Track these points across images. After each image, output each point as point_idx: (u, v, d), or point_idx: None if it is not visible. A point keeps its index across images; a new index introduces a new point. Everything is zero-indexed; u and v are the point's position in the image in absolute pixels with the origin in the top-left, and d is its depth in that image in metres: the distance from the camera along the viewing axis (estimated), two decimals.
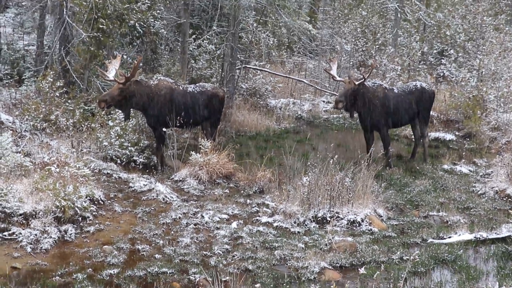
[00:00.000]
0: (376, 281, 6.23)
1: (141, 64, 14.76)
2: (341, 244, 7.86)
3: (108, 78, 10.53)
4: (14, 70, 15.03)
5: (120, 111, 11.10)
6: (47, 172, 8.48)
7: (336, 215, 8.73)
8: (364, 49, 17.83)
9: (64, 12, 12.44)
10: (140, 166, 10.85)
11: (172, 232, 8.25)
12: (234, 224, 8.61)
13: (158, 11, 14.65)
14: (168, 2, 15.51)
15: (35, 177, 8.30)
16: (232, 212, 9.05)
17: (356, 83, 11.14)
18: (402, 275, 6.47)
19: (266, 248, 7.88)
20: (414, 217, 9.18)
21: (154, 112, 10.62)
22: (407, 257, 7.47)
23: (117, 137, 11.00)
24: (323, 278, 7.07)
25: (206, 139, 10.74)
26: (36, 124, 11.30)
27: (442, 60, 19.15)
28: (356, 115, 11.90)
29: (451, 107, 14.63)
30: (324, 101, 16.71)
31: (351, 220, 8.70)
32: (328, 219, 8.67)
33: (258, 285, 5.52)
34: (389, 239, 8.30)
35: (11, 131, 10.59)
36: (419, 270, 7.18)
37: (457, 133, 14.10)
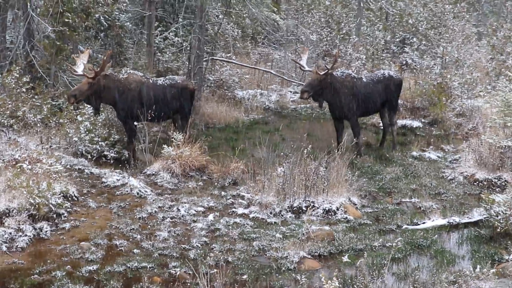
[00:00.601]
0: (359, 268, 6.27)
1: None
2: (319, 233, 7.91)
3: (77, 73, 10.36)
4: None
5: (89, 106, 10.93)
6: (19, 169, 8.32)
7: (312, 204, 8.78)
8: (328, 38, 17.88)
9: (28, 6, 12.16)
10: (112, 161, 10.69)
11: (149, 226, 8.19)
12: (210, 217, 8.58)
13: (123, 4, 14.46)
14: None
15: (7, 175, 8.12)
16: (207, 205, 9.02)
17: (321, 73, 11.20)
18: (385, 262, 6.56)
19: (244, 239, 7.89)
20: (388, 204, 9.30)
21: (124, 106, 10.49)
22: (385, 244, 7.59)
23: (87, 132, 10.83)
24: (303, 268, 7.12)
25: (177, 132, 10.67)
26: (2, 121, 11.05)
27: (404, 48, 19.36)
28: (325, 104, 11.98)
29: (416, 95, 14.82)
30: (291, 92, 16.74)
31: (327, 209, 8.77)
32: (304, 208, 8.72)
33: (245, 276, 5.51)
34: (365, 227, 8.40)
35: None
36: (396, 256, 7.27)
37: (423, 120, 14.29)
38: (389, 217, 8.74)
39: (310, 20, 18.81)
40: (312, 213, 8.58)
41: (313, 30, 18.45)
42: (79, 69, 10.39)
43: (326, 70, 11.22)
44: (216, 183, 9.96)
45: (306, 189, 8.90)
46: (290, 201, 8.86)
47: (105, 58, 10.14)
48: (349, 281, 6.48)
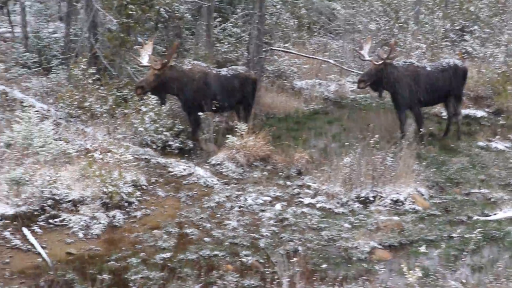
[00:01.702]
0: (434, 259, 6.21)
1: (164, 49, 14.77)
2: (388, 224, 7.85)
3: (143, 64, 10.52)
4: (41, 58, 15.02)
5: (154, 97, 11.09)
6: (91, 159, 8.51)
7: (379, 194, 8.71)
8: (386, 28, 17.62)
9: (94, 0, 12.39)
10: (176, 151, 10.83)
11: (218, 215, 8.27)
12: (277, 206, 8.61)
13: None
14: None
15: (81, 164, 8.33)
16: (274, 194, 9.04)
17: (377, 63, 11.10)
18: (459, 253, 6.46)
19: (313, 229, 7.90)
20: (456, 195, 9.14)
21: (189, 96, 10.63)
22: (456, 235, 7.47)
23: (152, 122, 10.98)
24: (373, 258, 7.08)
25: (241, 122, 10.73)
26: (71, 111, 11.32)
27: (464, 36, 18.93)
28: (386, 94, 11.85)
29: (479, 84, 14.49)
30: (350, 81, 16.59)
31: (394, 199, 8.69)
32: (371, 198, 8.66)
33: (324, 265, 5.51)
34: (434, 218, 8.29)
35: (47, 119, 10.63)
36: (469, 247, 7.15)
37: (487, 109, 13.98)
38: (458, 208, 8.60)
39: (368, 9, 18.59)
40: (380, 203, 8.52)
41: (371, 19, 18.24)
42: (144, 60, 10.56)
43: (382, 60, 11.12)
44: (280, 173, 9.98)
45: (373, 179, 8.83)
46: (357, 191, 8.81)
47: (171, 49, 10.25)
48: (428, 271, 6.41)
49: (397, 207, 8.59)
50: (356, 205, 8.67)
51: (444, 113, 12.77)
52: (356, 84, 13.05)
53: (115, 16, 12.24)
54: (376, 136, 9.00)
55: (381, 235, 7.55)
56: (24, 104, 10.93)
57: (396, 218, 8.09)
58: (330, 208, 8.59)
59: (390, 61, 11.15)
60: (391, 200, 8.68)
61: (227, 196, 8.87)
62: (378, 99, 13.86)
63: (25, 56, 15.06)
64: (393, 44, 11.70)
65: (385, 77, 11.22)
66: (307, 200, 8.83)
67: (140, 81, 10.49)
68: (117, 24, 12.23)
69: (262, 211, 8.43)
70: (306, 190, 9.21)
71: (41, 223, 7.41)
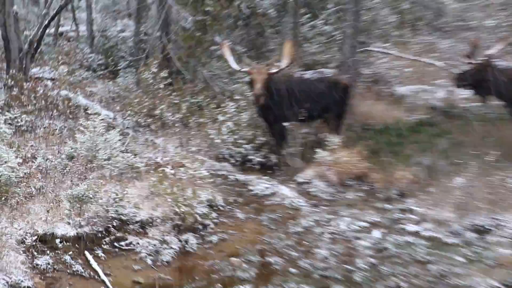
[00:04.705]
0: None
1: (244, 49, 14.87)
2: (511, 259, 7.48)
3: (236, 69, 10.67)
4: (108, 60, 15.44)
5: (233, 104, 11.17)
6: (161, 174, 8.59)
7: (499, 223, 8.34)
8: (507, 23, 17.05)
9: None
10: (257, 167, 10.86)
11: (305, 242, 8.13)
12: (375, 233, 8.39)
13: None
14: None
15: (150, 180, 8.42)
16: (371, 219, 8.84)
17: (474, 62, 10.78)
18: None
19: (418, 262, 7.62)
20: None
21: (276, 104, 10.59)
22: None
23: (230, 134, 11.04)
24: None
25: (331, 134, 10.60)
26: (139, 120, 11.53)
27: None
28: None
29: None
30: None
31: None
32: (489, 227, 8.30)
33: None
34: None
35: (113, 128, 10.86)
36: None
37: None
38: None
39: (483, 2, 18.08)
40: (500, 234, 8.15)
41: (487, 14, 17.70)
42: (232, 64, 10.70)
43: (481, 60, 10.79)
44: (379, 194, 9.75)
45: (491, 205, 8.47)
46: (471, 218, 8.46)
47: (291, 49, 10.34)
48: None
49: None
50: (471, 234, 8.29)
51: None
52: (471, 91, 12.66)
53: (191, 12, 12.44)
54: (496, 152, 8.65)
55: (503, 272, 7.19)
56: (89, 112, 11.22)
57: None
58: (438, 238, 8.27)
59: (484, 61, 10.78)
60: None
61: (316, 220, 8.74)
62: (501, 110, 13.40)
63: (90, 57, 15.53)
64: (475, 41, 11.34)
65: (489, 79, 10.82)
66: (411, 227, 8.57)
67: (259, 88, 10.40)
68: (192, 21, 12.38)
69: (357, 238, 8.24)
70: (410, 216, 8.94)
71: (105, 247, 7.52)
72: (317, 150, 10.27)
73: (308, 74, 11.31)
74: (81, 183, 7.90)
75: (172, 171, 8.76)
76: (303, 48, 15.35)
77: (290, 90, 10.80)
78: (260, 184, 9.87)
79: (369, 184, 10.16)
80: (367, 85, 15.04)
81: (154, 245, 7.63)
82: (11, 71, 12.57)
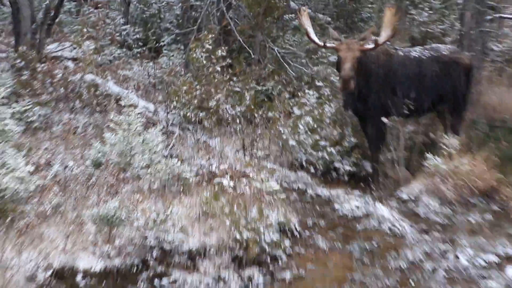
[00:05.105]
0: None
1: (329, 19, 14.83)
2: None
3: (328, 44, 10.59)
4: (148, 33, 15.57)
5: (313, 94, 11.14)
6: (216, 188, 8.61)
7: None
8: None
9: None
10: (346, 178, 10.80)
11: (412, 282, 8.05)
12: (510, 271, 8.24)
13: None
14: None
15: (203, 196, 8.44)
16: (504, 251, 8.68)
17: None
18: None
19: None
20: None
21: (371, 91, 10.51)
22: None
23: (309, 133, 11.00)
24: None
25: (448, 134, 10.47)
26: (189, 114, 11.58)
27: None
28: None
29: None
30: None
31: None
32: None
33: None
34: None
35: (153, 125, 10.95)
36: None
37: None
38: None
39: None
40: None
41: None
42: (313, 38, 10.64)
43: None
44: None
45: None
46: None
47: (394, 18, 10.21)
48: None
49: None
50: None
51: None
52: None
53: None
54: None
55: None
56: (122, 103, 11.36)
57: None
58: None
59: None
60: None
61: (426, 252, 8.63)
62: None
63: (125, 30, 15.67)
64: None
65: None
66: None
67: (347, 68, 10.32)
68: None
69: (484, 278, 8.10)
70: None
71: (142, 285, 7.56)
72: (428, 155, 10.13)
73: (417, 52, 11.19)
74: (111, 199, 7.98)
75: (232, 184, 8.76)
76: (410, 15, 15.26)
77: (392, 73, 10.72)
78: (350, 202, 9.83)
79: (501, 202, 9.98)
80: (498, 66, 14.83)
81: (208, 284, 7.65)
82: (20, 47, 12.76)
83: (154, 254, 7.85)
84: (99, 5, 18.25)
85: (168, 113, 11.77)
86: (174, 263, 7.86)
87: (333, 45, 10.56)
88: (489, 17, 14.20)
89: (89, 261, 7.54)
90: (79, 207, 8.24)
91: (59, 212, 8.20)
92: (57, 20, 14.44)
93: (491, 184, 10.06)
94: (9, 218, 7.68)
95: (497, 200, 10.02)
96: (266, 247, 8.22)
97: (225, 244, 8.03)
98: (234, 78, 12.32)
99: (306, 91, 11.70)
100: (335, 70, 11.21)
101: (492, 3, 14.95)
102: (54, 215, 8.16)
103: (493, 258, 8.52)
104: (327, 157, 10.88)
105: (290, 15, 12.91)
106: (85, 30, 14.65)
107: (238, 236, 8.02)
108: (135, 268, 7.69)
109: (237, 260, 8.01)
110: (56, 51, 14.48)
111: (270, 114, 11.57)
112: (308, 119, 11.14)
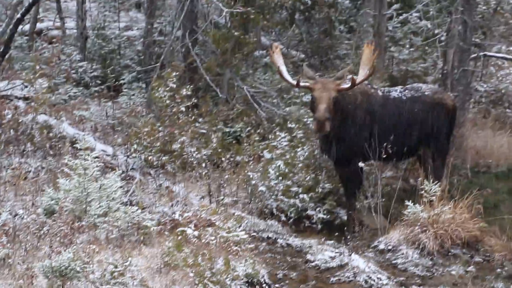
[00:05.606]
0: None
1: (302, 55, 15.00)
2: None
3: (292, 84, 10.70)
4: (107, 70, 15.61)
5: (285, 136, 11.27)
6: (180, 237, 8.70)
7: None
8: None
9: None
10: (319, 226, 10.89)
11: None
12: None
13: None
14: None
15: (165, 246, 8.52)
16: None
17: None
18: None
19: None
20: None
21: (347, 134, 10.66)
22: None
23: (280, 178, 11.10)
24: None
25: (428, 179, 10.61)
26: (150, 158, 11.66)
27: None
28: None
29: None
30: None
31: None
32: None
33: None
34: None
35: (112, 170, 11.01)
36: None
37: None
38: None
39: None
40: None
41: None
42: (286, 76, 10.75)
43: None
44: (499, 269, 9.73)
45: None
46: None
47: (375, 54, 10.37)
48: None
49: None
50: None
51: None
52: None
53: (225, 2, 12.56)
54: None
55: None
56: (78, 146, 11.43)
57: None
58: None
59: None
60: None
61: None
62: None
63: (81, 66, 15.69)
64: None
65: None
66: None
67: (321, 109, 10.37)
68: (228, 15, 12.53)
69: None
70: None
71: None
72: (408, 203, 10.27)
73: (397, 91, 11.34)
74: (65, 250, 8.00)
75: (196, 233, 8.84)
76: (390, 53, 15.44)
77: (370, 115, 10.85)
78: (323, 252, 9.88)
79: (485, 254, 10.13)
80: (482, 107, 15.02)
81: None
82: None
83: None
84: (54, 40, 18.20)
85: (128, 156, 11.83)
86: None
87: (307, 84, 10.64)
88: (473, 55, 14.41)
89: None
90: (30, 258, 8.18)
91: (7, 265, 8.15)
92: (7, 56, 14.43)
93: (474, 233, 10.20)
94: None
95: (480, 251, 10.16)
96: None
97: None
98: (200, 119, 12.40)
99: (278, 133, 11.82)
100: (309, 111, 11.32)
101: (477, 40, 15.20)
102: (2, 268, 8.10)
103: None
104: (299, 204, 10.94)
105: (261, 52, 13.10)
106: (38, 67, 14.62)
107: None
108: None
109: None
110: (5, 90, 14.47)
111: (238, 157, 11.67)
112: (279, 163, 11.23)
